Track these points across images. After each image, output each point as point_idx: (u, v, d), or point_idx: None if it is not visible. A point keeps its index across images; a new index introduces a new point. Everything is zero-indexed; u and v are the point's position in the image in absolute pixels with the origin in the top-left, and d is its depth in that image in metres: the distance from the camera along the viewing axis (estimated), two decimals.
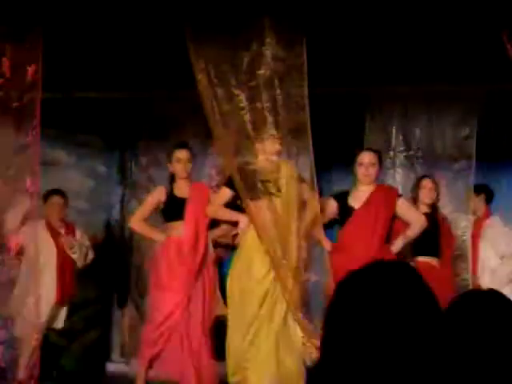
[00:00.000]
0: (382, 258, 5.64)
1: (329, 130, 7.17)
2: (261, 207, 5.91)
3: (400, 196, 6.32)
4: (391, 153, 7.89)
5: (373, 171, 6.24)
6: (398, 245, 6.14)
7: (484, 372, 1.88)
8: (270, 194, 5.99)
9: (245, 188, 5.88)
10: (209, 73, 5.96)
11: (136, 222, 6.51)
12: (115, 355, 8.19)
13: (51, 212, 6.95)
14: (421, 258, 6.53)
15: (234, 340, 5.88)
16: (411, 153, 7.92)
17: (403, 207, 6.22)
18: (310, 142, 5.93)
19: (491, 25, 5.78)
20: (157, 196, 6.43)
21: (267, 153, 5.95)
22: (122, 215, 8.49)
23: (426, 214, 6.50)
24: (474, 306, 1.99)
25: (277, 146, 5.96)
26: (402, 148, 7.93)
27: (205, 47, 5.94)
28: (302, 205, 6.02)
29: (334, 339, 1.51)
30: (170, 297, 6.16)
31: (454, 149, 7.82)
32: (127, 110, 8.16)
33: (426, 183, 6.77)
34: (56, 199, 6.98)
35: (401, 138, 7.96)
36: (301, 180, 6.08)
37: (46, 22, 6.01)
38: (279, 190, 5.98)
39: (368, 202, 6.17)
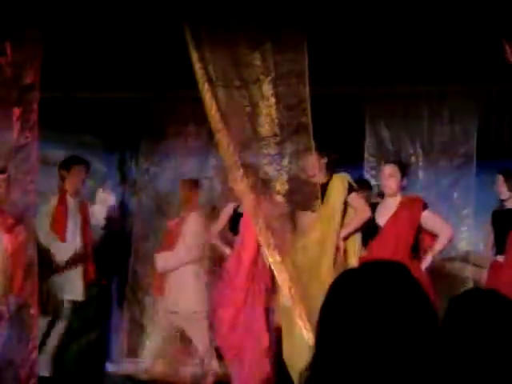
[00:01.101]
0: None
1: (329, 131, 7.17)
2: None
3: (426, 207, 6.22)
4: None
5: (392, 183, 6.22)
6: (427, 261, 6.09)
7: (482, 371, 1.88)
8: (277, 193, 6.02)
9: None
10: (209, 73, 5.96)
11: (213, 238, 6.80)
12: (115, 355, 8.18)
13: None
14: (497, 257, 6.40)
15: (288, 360, 6.00)
16: (411, 153, 7.93)
17: (428, 220, 6.16)
18: (312, 143, 5.94)
19: (491, 24, 5.77)
20: (227, 212, 6.68)
21: (311, 168, 6.13)
22: (121, 215, 8.48)
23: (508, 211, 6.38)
24: (473, 305, 1.99)
25: (319, 162, 6.13)
26: (402, 148, 7.94)
27: (206, 47, 5.93)
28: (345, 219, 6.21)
29: (328, 338, 1.51)
30: (223, 311, 6.32)
31: (454, 148, 7.83)
32: (127, 109, 8.16)
33: (497, 180, 6.50)
34: None
35: (401, 138, 7.96)
36: (351, 190, 6.21)
37: (46, 22, 6.01)
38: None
39: (393, 219, 6.17)
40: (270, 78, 5.95)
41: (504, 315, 1.97)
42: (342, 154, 6.65)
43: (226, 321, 6.22)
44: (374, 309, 1.50)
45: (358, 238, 6.29)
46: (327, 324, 1.52)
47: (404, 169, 6.38)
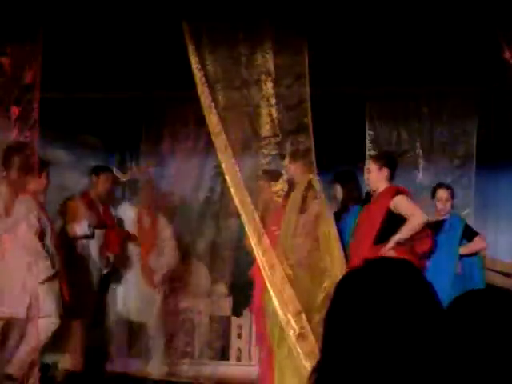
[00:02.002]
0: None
1: (329, 131, 7.17)
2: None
3: (399, 194, 6.05)
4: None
5: (370, 177, 6.17)
6: (389, 244, 5.87)
7: (485, 369, 1.88)
8: (276, 193, 6.04)
9: None
10: (209, 74, 5.96)
11: None
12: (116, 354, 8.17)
13: None
14: None
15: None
16: (411, 153, 7.93)
17: (398, 204, 5.98)
18: (312, 143, 5.93)
19: (490, 25, 5.78)
20: None
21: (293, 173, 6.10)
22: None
23: None
24: (477, 303, 1.99)
25: (291, 169, 6.09)
26: (402, 148, 7.94)
27: (206, 48, 5.94)
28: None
29: (335, 338, 1.51)
30: None
31: (454, 148, 7.83)
32: (127, 110, 8.16)
33: None
34: None
35: (401, 138, 7.96)
36: (316, 195, 6.09)
37: (46, 21, 6.01)
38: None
39: (367, 207, 6.15)
40: (270, 78, 5.95)
41: (507, 314, 1.96)
42: (343, 153, 6.65)
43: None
44: (381, 307, 1.50)
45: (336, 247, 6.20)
46: (334, 325, 1.51)
47: (381, 160, 6.23)
